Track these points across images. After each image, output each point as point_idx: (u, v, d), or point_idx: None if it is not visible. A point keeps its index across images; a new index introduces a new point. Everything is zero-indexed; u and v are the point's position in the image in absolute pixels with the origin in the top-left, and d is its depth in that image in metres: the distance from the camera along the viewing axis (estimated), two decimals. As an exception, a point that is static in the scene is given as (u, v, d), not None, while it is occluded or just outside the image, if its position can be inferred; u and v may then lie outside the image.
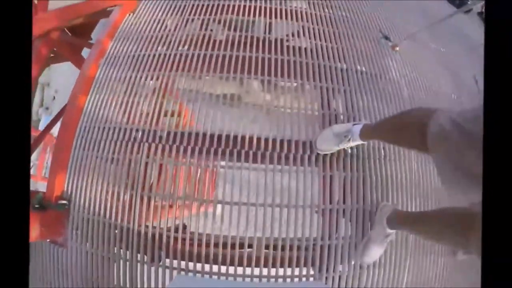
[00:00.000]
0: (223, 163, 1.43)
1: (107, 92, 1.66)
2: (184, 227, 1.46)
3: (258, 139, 1.45)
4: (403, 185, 1.55)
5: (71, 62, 2.20)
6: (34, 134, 6.41)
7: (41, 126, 6.49)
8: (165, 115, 1.56)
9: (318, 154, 1.46)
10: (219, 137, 1.44)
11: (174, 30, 1.82)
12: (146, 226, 1.44)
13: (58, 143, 1.62)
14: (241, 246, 1.39)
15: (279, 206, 1.41)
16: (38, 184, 6.22)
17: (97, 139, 1.57)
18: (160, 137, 1.46)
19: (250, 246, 1.40)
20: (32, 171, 6.36)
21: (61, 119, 1.72)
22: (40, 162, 6.27)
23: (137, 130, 1.51)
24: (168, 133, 1.46)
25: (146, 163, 1.45)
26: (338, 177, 1.47)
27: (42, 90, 6.82)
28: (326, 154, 1.47)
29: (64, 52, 2.09)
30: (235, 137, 1.44)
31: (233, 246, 1.40)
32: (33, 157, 6.46)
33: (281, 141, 1.47)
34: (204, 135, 1.44)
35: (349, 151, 1.51)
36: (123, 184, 1.47)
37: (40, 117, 7.06)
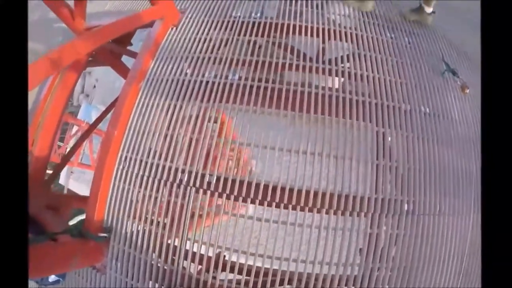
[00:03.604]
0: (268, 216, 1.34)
1: (148, 120, 1.54)
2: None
3: (306, 192, 1.35)
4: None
5: (111, 67, 2.05)
6: (72, 121, 6.49)
7: (81, 113, 6.66)
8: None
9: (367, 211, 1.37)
10: (274, 188, 1.34)
11: (220, 49, 1.64)
12: (191, 272, 1.40)
13: (97, 173, 1.53)
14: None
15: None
16: (74, 168, 6.50)
17: (138, 174, 1.49)
18: (209, 183, 1.37)
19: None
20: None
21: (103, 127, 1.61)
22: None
23: (182, 172, 1.41)
24: (218, 179, 1.37)
25: (193, 211, 1.38)
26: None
27: (83, 77, 6.89)
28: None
29: (103, 58, 1.93)
30: (291, 190, 1.34)
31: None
32: (71, 143, 6.63)
33: (331, 195, 1.37)
34: (258, 185, 1.34)
35: (406, 207, 1.43)
36: (167, 227, 1.41)
37: (81, 103, 7.14)
